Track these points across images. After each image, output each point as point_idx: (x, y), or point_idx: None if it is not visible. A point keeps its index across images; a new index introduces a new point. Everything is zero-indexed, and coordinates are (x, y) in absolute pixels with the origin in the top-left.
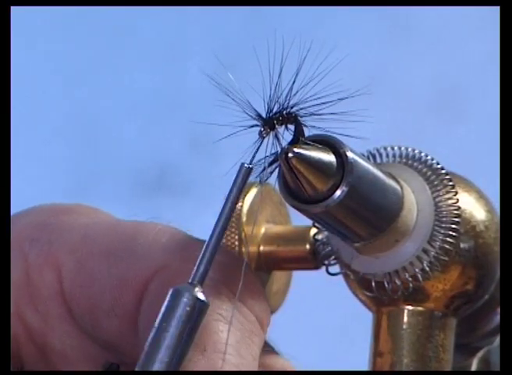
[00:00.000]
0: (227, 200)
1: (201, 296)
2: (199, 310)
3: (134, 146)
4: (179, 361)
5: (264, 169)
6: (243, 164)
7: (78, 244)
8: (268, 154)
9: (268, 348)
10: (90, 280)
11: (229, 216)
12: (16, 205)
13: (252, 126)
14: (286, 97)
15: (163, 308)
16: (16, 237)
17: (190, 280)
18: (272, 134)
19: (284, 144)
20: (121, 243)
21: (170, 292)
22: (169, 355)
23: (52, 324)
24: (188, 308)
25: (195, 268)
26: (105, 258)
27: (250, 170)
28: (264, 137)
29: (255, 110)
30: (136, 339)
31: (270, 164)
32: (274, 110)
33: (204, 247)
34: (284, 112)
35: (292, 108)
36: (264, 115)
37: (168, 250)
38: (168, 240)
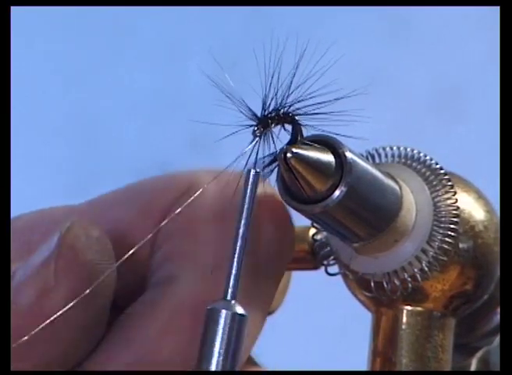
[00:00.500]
0: (242, 209)
1: (240, 310)
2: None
3: (134, 146)
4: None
5: (263, 169)
6: (249, 170)
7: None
8: (263, 154)
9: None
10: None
11: (247, 225)
12: (16, 205)
13: (249, 126)
14: (283, 96)
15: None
16: None
17: (224, 296)
18: (267, 133)
19: (280, 143)
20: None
21: (206, 311)
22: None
23: None
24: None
25: (225, 284)
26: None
27: (258, 175)
28: (257, 136)
29: (250, 109)
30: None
31: (268, 164)
32: (270, 109)
33: (230, 260)
34: (281, 111)
35: (289, 107)
36: (260, 114)
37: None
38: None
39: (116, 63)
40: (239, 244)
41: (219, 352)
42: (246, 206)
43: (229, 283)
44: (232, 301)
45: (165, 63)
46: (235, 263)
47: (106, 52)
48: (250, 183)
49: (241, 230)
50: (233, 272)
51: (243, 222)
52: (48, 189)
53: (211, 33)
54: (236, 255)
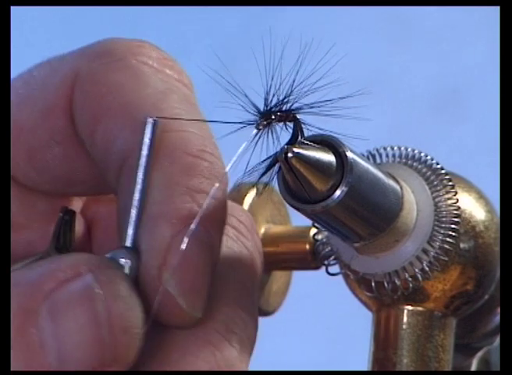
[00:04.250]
0: (141, 156)
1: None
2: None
3: None
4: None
5: (266, 171)
6: (147, 118)
7: None
8: (266, 149)
9: None
10: (16, 131)
11: (146, 172)
12: None
13: (251, 123)
14: (285, 93)
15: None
16: None
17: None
18: (270, 128)
19: (283, 142)
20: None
21: None
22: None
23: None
24: None
25: (124, 231)
26: (19, 101)
27: (156, 123)
28: (260, 130)
29: (253, 103)
30: (86, 160)
31: (270, 165)
32: (272, 104)
33: (132, 208)
34: (283, 107)
35: (291, 104)
36: (262, 109)
37: (74, 55)
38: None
39: None
40: (139, 188)
41: None
42: (145, 153)
43: (127, 231)
44: (129, 250)
45: None
46: (135, 211)
47: None
48: (149, 133)
49: (141, 174)
50: (133, 219)
51: (142, 169)
52: None
53: (211, 31)
54: (137, 202)
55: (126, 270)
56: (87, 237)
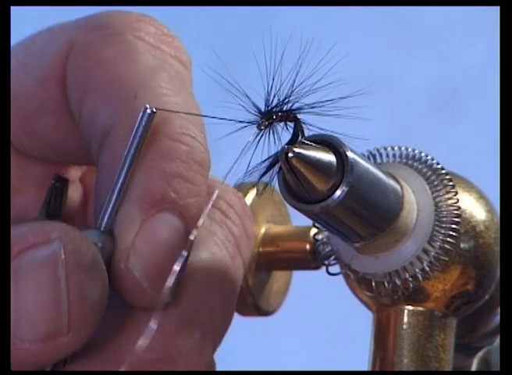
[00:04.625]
0: (131, 143)
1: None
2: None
3: None
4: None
5: (266, 171)
6: (146, 108)
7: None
8: (267, 149)
9: None
10: (12, 97)
11: (132, 159)
12: None
13: (253, 123)
14: (286, 94)
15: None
16: None
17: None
18: (271, 128)
19: (284, 142)
20: (28, 46)
21: None
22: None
23: None
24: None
25: (101, 214)
26: (17, 68)
27: (153, 114)
28: (261, 130)
29: (254, 104)
30: (76, 131)
31: (271, 165)
32: (273, 104)
33: (111, 193)
34: (284, 107)
35: (292, 104)
36: (263, 109)
37: (73, 25)
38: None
39: None
40: (124, 172)
41: None
42: (136, 141)
43: (105, 214)
44: (103, 232)
45: None
46: (114, 195)
47: None
48: (144, 121)
49: (128, 160)
50: (112, 203)
51: (129, 156)
52: None
53: (211, 32)
54: (118, 187)
55: (97, 249)
56: (84, 206)
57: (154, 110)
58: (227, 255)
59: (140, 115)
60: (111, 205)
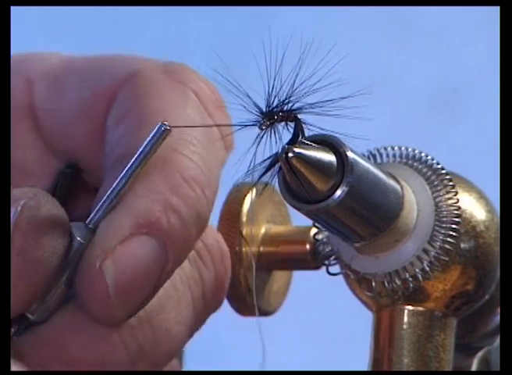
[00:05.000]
0: (140, 153)
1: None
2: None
3: None
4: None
5: (266, 171)
6: (161, 126)
7: (54, 66)
8: (269, 149)
9: None
10: (62, 95)
11: (135, 169)
12: None
13: (254, 123)
14: (287, 94)
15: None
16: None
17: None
18: (272, 128)
19: (284, 142)
20: (94, 63)
21: None
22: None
23: (17, 135)
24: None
25: (94, 212)
26: (78, 74)
27: (168, 132)
28: (263, 130)
29: (255, 104)
30: (100, 151)
31: (271, 165)
32: (274, 105)
33: (108, 194)
34: (285, 107)
35: (293, 104)
36: (264, 110)
37: (134, 61)
38: (131, 57)
39: None
40: (125, 178)
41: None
42: (145, 150)
43: (97, 212)
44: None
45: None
46: (110, 197)
47: (106, 52)
48: (156, 135)
49: (132, 169)
50: (106, 204)
51: (136, 162)
52: None
53: (211, 32)
54: (117, 190)
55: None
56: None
57: (168, 127)
58: (189, 293)
59: (156, 129)
60: (105, 206)
